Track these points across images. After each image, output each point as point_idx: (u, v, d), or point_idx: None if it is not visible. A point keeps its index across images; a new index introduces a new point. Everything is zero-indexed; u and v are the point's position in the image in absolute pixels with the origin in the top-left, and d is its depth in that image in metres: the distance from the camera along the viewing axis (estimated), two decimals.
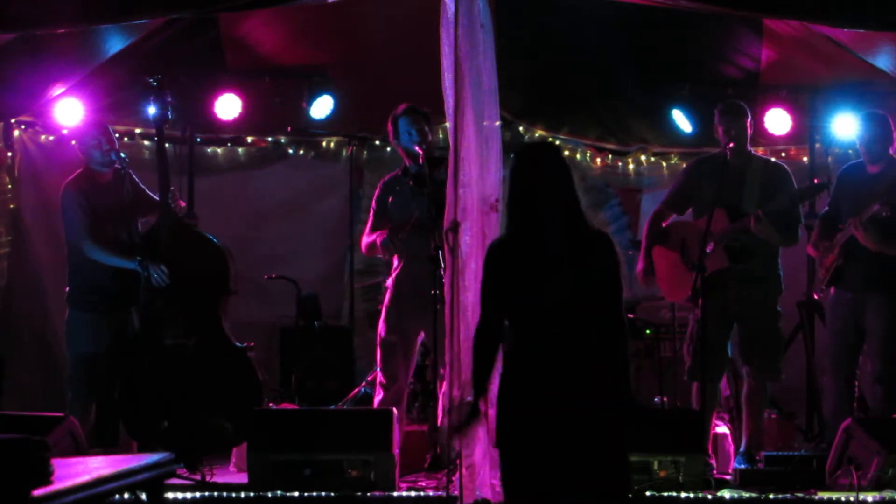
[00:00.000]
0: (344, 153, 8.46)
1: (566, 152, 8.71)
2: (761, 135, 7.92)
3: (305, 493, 5.37)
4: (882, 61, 6.85)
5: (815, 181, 6.01)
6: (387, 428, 5.54)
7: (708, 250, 5.84)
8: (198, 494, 5.38)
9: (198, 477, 5.67)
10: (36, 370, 7.77)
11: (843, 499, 5.27)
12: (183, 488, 5.46)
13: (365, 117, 8.03)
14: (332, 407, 6.90)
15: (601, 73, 8.01)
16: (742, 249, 5.99)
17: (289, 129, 8.43)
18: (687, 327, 6.35)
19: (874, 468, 5.38)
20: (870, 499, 5.22)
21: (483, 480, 5.07)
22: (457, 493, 5.02)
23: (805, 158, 8.15)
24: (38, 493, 3.18)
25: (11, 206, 7.76)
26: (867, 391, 6.41)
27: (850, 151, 7.75)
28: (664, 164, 8.61)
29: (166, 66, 7.07)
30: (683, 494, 5.34)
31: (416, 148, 6.06)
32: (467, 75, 5.14)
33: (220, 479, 5.80)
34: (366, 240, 6.26)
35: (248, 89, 7.94)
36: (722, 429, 6.41)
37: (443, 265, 5.51)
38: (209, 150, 8.50)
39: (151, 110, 6.14)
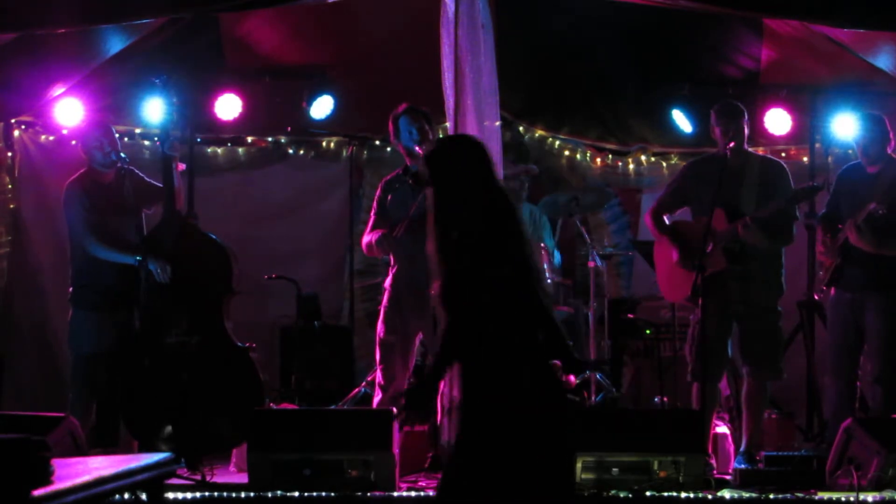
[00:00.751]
0: (344, 153, 8.46)
1: (566, 152, 8.72)
2: (761, 135, 7.93)
3: (305, 493, 5.37)
4: (882, 61, 6.85)
5: (812, 183, 6.00)
6: (387, 428, 5.54)
7: (707, 250, 5.85)
8: (198, 494, 5.38)
9: (198, 477, 5.67)
10: (36, 370, 7.77)
11: (843, 499, 5.27)
12: (183, 488, 5.45)
13: (365, 117, 8.03)
14: (332, 407, 6.89)
15: (601, 73, 8.02)
16: (741, 251, 5.99)
17: (289, 129, 8.44)
18: (688, 328, 6.35)
19: (874, 468, 5.38)
20: (870, 499, 5.22)
21: None
22: None
23: (805, 158, 8.15)
24: (38, 493, 3.17)
25: (11, 206, 7.76)
26: (867, 391, 6.41)
27: (850, 151, 7.74)
28: (664, 164, 8.61)
29: (166, 67, 7.08)
30: (683, 494, 5.34)
31: (416, 147, 6.07)
32: (467, 75, 5.14)
33: (220, 479, 5.80)
34: (365, 239, 6.27)
35: (248, 89, 7.94)
36: (722, 429, 6.41)
37: None
38: (209, 150, 8.50)
39: (155, 111, 6.16)
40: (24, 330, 7.84)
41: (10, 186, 7.76)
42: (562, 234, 8.45)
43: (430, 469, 5.99)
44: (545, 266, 7.13)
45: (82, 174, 6.34)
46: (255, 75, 7.98)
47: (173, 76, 6.52)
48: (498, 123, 5.31)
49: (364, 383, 6.98)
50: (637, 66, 7.93)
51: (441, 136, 8.15)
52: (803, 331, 7.59)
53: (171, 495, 5.22)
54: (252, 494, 5.37)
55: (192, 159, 7.98)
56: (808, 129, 8.05)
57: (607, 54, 7.77)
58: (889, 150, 6.22)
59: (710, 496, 5.35)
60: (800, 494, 5.37)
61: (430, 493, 5.43)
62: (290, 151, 8.67)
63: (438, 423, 5.97)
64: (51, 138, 7.92)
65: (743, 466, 5.91)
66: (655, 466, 5.47)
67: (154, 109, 7.26)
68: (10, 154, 7.76)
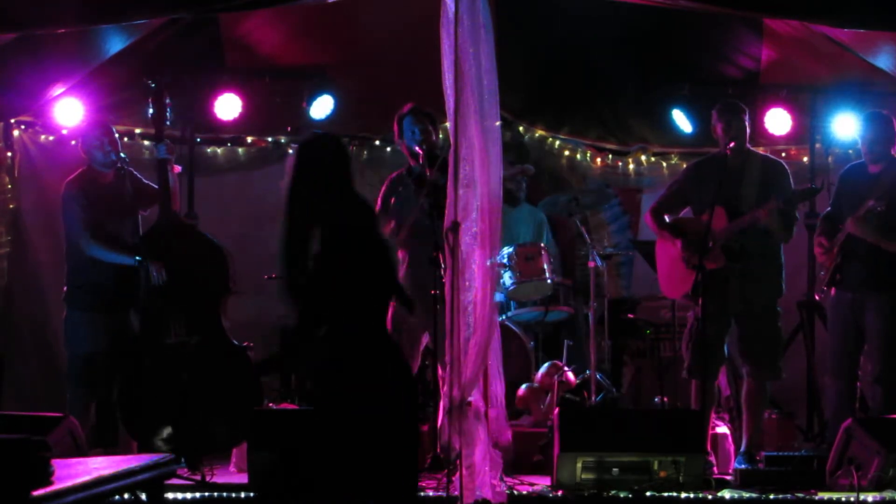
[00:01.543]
0: None
1: (566, 152, 8.72)
2: (761, 135, 7.92)
3: None
4: (882, 61, 6.85)
5: (811, 184, 6.01)
6: None
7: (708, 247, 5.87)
8: (198, 494, 5.38)
9: (198, 477, 5.67)
10: (36, 370, 7.76)
11: (843, 499, 5.27)
12: (183, 488, 5.45)
13: (365, 117, 8.03)
14: None
15: (601, 73, 8.01)
16: (741, 250, 5.99)
17: (289, 129, 8.43)
18: (686, 326, 6.36)
19: (874, 468, 5.38)
20: (870, 499, 5.22)
21: (483, 480, 5.06)
22: (457, 493, 5.01)
23: (805, 158, 8.15)
24: (38, 493, 3.17)
25: (11, 206, 7.75)
26: (867, 391, 6.41)
27: (850, 151, 7.75)
28: (664, 164, 8.61)
29: (166, 66, 7.07)
30: (683, 494, 5.34)
31: (417, 148, 6.07)
32: (467, 75, 5.13)
33: (220, 479, 5.80)
34: None
35: (248, 89, 7.94)
36: (722, 429, 6.41)
37: (443, 266, 5.51)
38: (209, 150, 8.49)
39: (149, 112, 6.17)
40: (24, 330, 7.83)
41: (10, 186, 7.75)
42: (562, 234, 8.45)
43: (430, 469, 5.99)
44: (546, 266, 7.12)
45: (81, 174, 6.34)
46: (254, 75, 7.98)
47: (169, 77, 6.52)
48: (498, 123, 5.30)
49: None
50: (637, 66, 7.93)
51: (440, 136, 8.19)
52: (803, 331, 7.59)
53: (171, 495, 5.21)
54: (252, 494, 5.37)
55: (192, 159, 7.99)
56: (808, 129, 8.05)
57: (607, 54, 7.77)
58: (893, 151, 6.23)
59: (710, 496, 5.36)
60: (800, 494, 5.37)
61: (430, 493, 5.43)
62: (290, 151, 8.65)
63: (439, 423, 5.97)
64: (51, 138, 7.91)
65: (743, 466, 5.91)
66: (655, 466, 5.47)
67: (149, 111, 7.27)
68: (10, 154, 7.75)
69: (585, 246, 7.43)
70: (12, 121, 7.72)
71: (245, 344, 6.13)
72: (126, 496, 4.41)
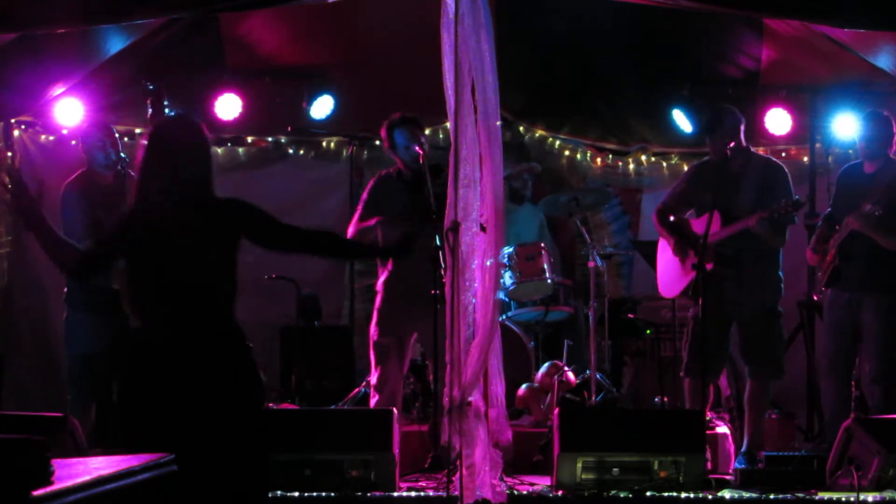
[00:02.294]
0: (344, 153, 8.46)
1: (566, 152, 8.72)
2: (761, 135, 7.93)
3: (305, 493, 5.36)
4: (882, 61, 6.85)
5: (796, 197, 6.01)
6: (387, 428, 5.54)
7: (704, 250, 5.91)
8: None
9: None
10: (36, 370, 7.77)
11: (843, 499, 5.26)
12: None
13: (365, 117, 8.02)
14: (332, 407, 6.89)
15: (601, 73, 8.02)
16: (734, 255, 6.00)
17: (289, 129, 8.44)
18: (686, 326, 6.38)
19: (875, 468, 5.37)
20: (870, 499, 5.21)
21: (483, 480, 5.06)
22: (457, 493, 5.02)
23: (805, 158, 8.16)
24: (38, 493, 3.17)
25: None
26: (866, 391, 6.42)
27: (850, 151, 7.75)
28: (664, 164, 8.61)
29: (166, 66, 7.07)
30: (683, 494, 5.33)
31: (413, 162, 6.12)
32: (468, 75, 5.13)
33: None
34: (355, 227, 6.24)
35: (248, 89, 7.94)
36: (722, 429, 6.41)
37: (443, 265, 5.52)
38: None
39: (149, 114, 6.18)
40: (24, 330, 7.84)
41: (10, 186, 7.74)
42: (562, 234, 8.45)
43: (430, 469, 5.99)
44: (546, 266, 7.13)
45: (81, 175, 6.34)
46: (255, 75, 7.98)
47: (168, 78, 6.52)
48: (498, 123, 5.30)
49: (364, 383, 6.98)
50: (637, 65, 7.93)
51: (440, 136, 8.19)
52: (803, 331, 7.59)
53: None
54: None
55: None
56: (808, 129, 8.05)
57: (607, 54, 7.77)
58: (890, 152, 6.23)
59: (710, 496, 5.35)
60: (800, 494, 5.37)
61: (431, 493, 5.43)
62: (290, 151, 8.67)
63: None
64: (51, 138, 7.92)
65: (743, 466, 5.91)
66: (655, 466, 5.47)
67: (148, 111, 7.29)
68: (10, 154, 7.75)
69: (585, 246, 7.44)
70: (12, 121, 7.73)
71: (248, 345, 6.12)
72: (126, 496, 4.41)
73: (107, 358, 6.14)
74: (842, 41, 6.92)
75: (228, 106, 7.89)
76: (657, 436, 5.53)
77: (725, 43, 7.86)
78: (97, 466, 3.75)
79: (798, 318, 7.56)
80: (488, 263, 5.21)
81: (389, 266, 6.19)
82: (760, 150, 7.59)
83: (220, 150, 8.51)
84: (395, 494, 5.40)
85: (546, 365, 6.96)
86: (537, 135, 8.68)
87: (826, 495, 5.35)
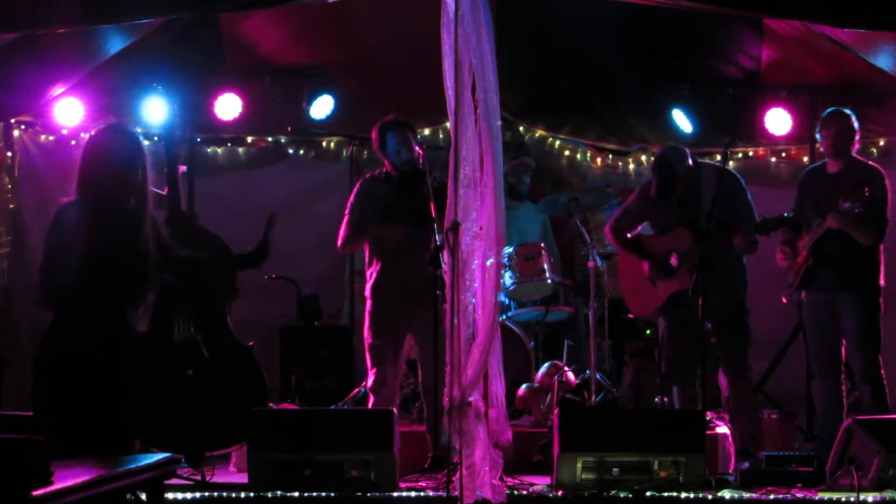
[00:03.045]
0: (344, 153, 8.46)
1: (566, 152, 8.72)
2: (761, 135, 7.92)
3: (305, 493, 5.36)
4: (882, 61, 6.85)
5: (784, 213, 6.01)
6: (387, 428, 5.54)
7: (673, 263, 6.11)
8: (198, 494, 5.38)
9: (198, 477, 5.67)
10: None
11: (843, 499, 5.26)
12: (183, 488, 5.45)
13: (365, 117, 7.97)
14: (332, 407, 6.89)
15: (601, 72, 8.02)
16: (703, 265, 5.97)
17: (289, 129, 8.43)
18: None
19: (875, 468, 5.37)
20: (870, 499, 5.21)
21: (483, 480, 5.06)
22: (457, 493, 5.01)
23: (805, 158, 8.15)
24: (38, 493, 3.17)
25: (11, 206, 7.76)
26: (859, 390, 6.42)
27: None
28: None
29: (166, 67, 7.07)
30: (683, 494, 5.33)
31: (404, 166, 6.14)
32: (468, 75, 5.13)
33: (220, 479, 5.79)
34: (346, 232, 6.26)
35: (248, 89, 7.94)
36: (722, 429, 6.41)
37: (443, 265, 5.52)
38: (209, 150, 8.50)
39: (156, 115, 6.17)
40: (24, 330, 7.83)
41: (10, 186, 7.76)
42: (562, 234, 8.45)
43: (430, 469, 5.99)
44: (546, 266, 7.13)
45: None
46: (255, 75, 7.99)
47: (173, 79, 6.51)
48: (498, 123, 5.30)
49: (364, 383, 6.98)
50: (637, 65, 7.93)
51: (440, 136, 8.19)
52: (803, 331, 7.58)
53: (171, 495, 5.21)
54: (252, 494, 5.37)
55: (192, 159, 7.99)
56: (808, 129, 8.04)
57: (607, 54, 7.77)
58: (853, 150, 6.25)
59: (710, 496, 5.35)
60: (800, 495, 5.37)
61: (430, 493, 5.43)
62: (291, 151, 8.67)
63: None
64: (51, 138, 7.91)
65: (743, 466, 5.92)
66: (655, 466, 5.46)
67: (155, 114, 7.28)
68: (10, 154, 7.76)
69: (585, 246, 7.44)
70: (12, 121, 7.73)
71: (250, 343, 6.14)
72: (126, 496, 4.42)
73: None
74: (842, 41, 6.92)
75: (228, 106, 7.89)
76: (657, 436, 5.52)
77: (725, 43, 7.86)
78: (97, 466, 3.75)
79: (798, 318, 7.55)
80: (489, 263, 5.20)
81: (375, 271, 6.20)
82: (760, 151, 7.62)
83: (220, 150, 8.52)
84: (395, 494, 5.40)
85: (546, 365, 6.96)
86: (537, 135, 8.68)
87: (826, 495, 5.35)
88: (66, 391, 4.40)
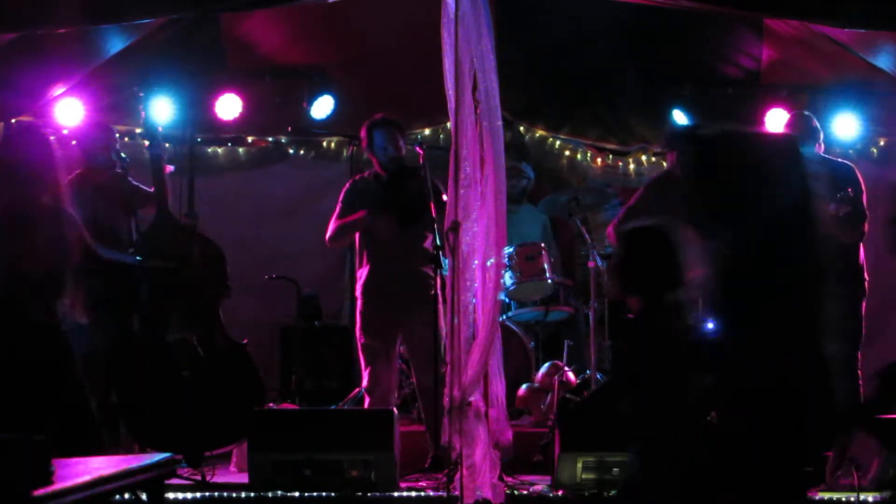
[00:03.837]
0: (344, 153, 8.46)
1: (566, 152, 8.72)
2: None
3: (305, 493, 5.37)
4: (882, 61, 6.85)
5: None
6: (387, 428, 5.54)
7: None
8: (198, 494, 5.38)
9: (198, 477, 5.67)
10: None
11: (843, 499, 5.26)
12: (183, 488, 5.46)
13: (365, 117, 7.98)
14: (332, 407, 6.89)
15: (601, 72, 8.01)
16: None
17: (289, 129, 8.43)
18: None
19: (875, 468, 5.36)
20: (870, 499, 5.21)
21: (483, 480, 5.06)
22: (457, 493, 5.02)
23: None
24: (38, 493, 3.17)
25: None
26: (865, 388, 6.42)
27: (851, 151, 7.76)
28: (664, 164, 8.59)
29: (166, 67, 7.07)
30: None
31: (391, 163, 6.21)
32: (468, 75, 5.13)
33: (220, 479, 5.80)
34: (337, 224, 6.26)
35: (248, 89, 7.94)
36: None
37: (443, 265, 5.53)
38: (209, 150, 8.50)
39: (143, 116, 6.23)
40: None
41: None
42: (562, 234, 8.45)
43: (430, 469, 5.99)
44: (546, 266, 7.13)
45: (79, 175, 6.34)
46: (255, 75, 7.98)
47: (165, 80, 6.52)
48: (499, 123, 5.30)
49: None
50: (637, 65, 7.93)
51: (441, 136, 8.19)
52: None
53: (171, 495, 5.22)
54: (252, 494, 5.37)
55: (192, 159, 7.99)
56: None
57: (608, 54, 7.77)
58: (820, 151, 6.27)
59: None
60: None
61: (431, 493, 5.43)
62: (291, 151, 8.67)
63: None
64: (51, 138, 7.90)
65: None
66: None
67: (155, 114, 7.30)
68: None
69: (585, 246, 7.44)
70: (12, 121, 7.72)
71: (244, 341, 6.14)
72: (126, 496, 4.42)
73: (106, 357, 6.13)
74: (842, 41, 6.92)
75: (228, 106, 7.88)
76: None
77: (725, 43, 7.86)
78: (97, 466, 3.75)
79: None
80: (489, 263, 5.20)
81: (365, 271, 6.20)
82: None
83: (220, 150, 8.52)
84: (395, 494, 5.40)
85: (546, 365, 6.96)
86: (537, 135, 8.68)
87: (826, 495, 5.35)
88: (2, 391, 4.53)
